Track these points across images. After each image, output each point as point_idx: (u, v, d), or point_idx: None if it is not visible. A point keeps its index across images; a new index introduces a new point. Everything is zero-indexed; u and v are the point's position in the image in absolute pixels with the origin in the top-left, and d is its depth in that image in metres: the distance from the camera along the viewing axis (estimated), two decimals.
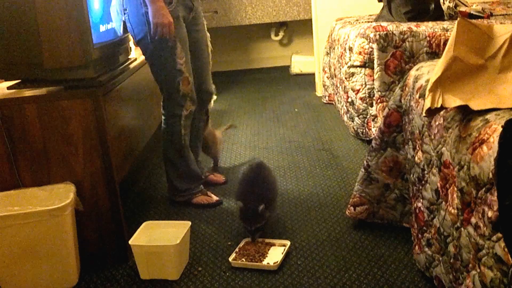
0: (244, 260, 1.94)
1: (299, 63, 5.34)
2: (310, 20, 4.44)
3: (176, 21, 2.18)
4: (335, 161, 2.90)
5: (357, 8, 4.20)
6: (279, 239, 2.07)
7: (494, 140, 1.18)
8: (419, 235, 1.73)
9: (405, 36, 2.94)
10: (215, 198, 2.48)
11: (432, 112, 1.45)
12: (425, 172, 1.64)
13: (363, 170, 2.07)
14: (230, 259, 1.94)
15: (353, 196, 2.11)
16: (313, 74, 4.58)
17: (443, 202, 1.48)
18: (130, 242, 1.90)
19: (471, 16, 3.31)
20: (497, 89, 1.43)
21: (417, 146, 1.73)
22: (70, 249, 1.85)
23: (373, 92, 3.04)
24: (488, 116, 1.30)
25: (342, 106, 3.47)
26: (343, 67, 3.31)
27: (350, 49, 3.18)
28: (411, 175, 1.81)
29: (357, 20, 3.76)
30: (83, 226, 1.93)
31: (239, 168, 2.82)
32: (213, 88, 2.64)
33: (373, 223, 2.10)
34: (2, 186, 1.88)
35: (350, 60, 3.17)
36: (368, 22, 3.44)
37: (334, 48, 3.74)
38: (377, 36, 2.96)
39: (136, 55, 2.58)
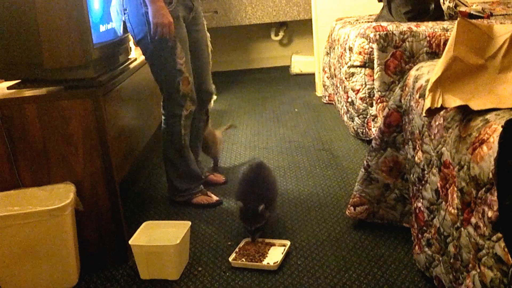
0: (244, 260, 1.94)
1: (299, 63, 5.34)
2: (310, 20, 4.44)
3: (176, 21, 2.18)
4: (335, 161, 2.90)
5: (357, 8, 4.20)
6: (279, 239, 2.07)
7: (494, 140, 1.18)
8: (419, 235, 1.73)
9: (405, 36, 2.94)
10: (215, 198, 2.48)
11: (432, 112, 1.45)
12: (425, 172, 1.64)
13: (363, 170, 2.07)
14: (230, 259, 1.94)
15: (353, 196, 2.11)
16: (313, 74, 4.57)
17: (443, 202, 1.48)
18: (130, 242, 1.90)
19: (471, 16, 3.31)
20: (497, 89, 1.42)
21: (417, 146, 1.73)
22: (70, 249, 1.85)
23: (373, 92, 3.04)
24: (488, 116, 1.30)
25: (342, 106, 3.47)
26: (343, 67, 3.31)
27: (350, 49, 3.18)
28: (411, 175, 1.81)
29: (357, 20, 3.75)
30: (83, 226, 1.93)
31: (239, 168, 2.82)
32: (213, 88, 2.64)
33: (373, 223, 2.10)
34: (2, 186, 1.88)
35: (350, 60, 3.17)
36: (368, 22, 3.43)
37: (334, 48, 3.74)
38: (377, 36, 2.96)
39: (136, 55, 2.58)
